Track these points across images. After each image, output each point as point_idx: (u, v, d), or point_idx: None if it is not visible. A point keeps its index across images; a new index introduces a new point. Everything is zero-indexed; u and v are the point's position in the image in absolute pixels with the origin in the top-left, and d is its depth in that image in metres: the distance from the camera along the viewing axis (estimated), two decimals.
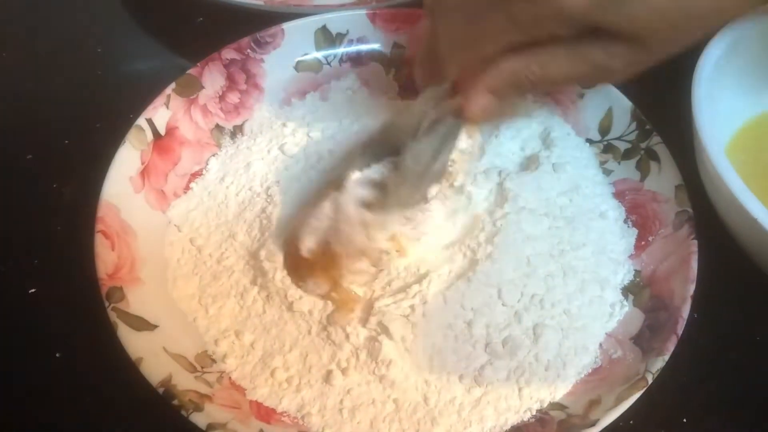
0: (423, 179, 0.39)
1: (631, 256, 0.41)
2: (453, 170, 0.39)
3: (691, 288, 0.37)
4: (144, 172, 0.43)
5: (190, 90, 0.46)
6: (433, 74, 0.40)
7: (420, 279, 0.38)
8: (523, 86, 0.37)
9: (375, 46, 0.50)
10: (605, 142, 0.45)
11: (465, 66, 0.38)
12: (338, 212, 0.38)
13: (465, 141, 0.39)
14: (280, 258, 0.39)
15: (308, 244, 0.38)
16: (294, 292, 0.38)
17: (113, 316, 0.36)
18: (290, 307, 0.38)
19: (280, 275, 0.38)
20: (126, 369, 0.34)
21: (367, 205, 0.38)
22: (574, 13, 0.33)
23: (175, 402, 0.33)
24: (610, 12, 0.33)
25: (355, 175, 0.39)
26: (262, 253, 0.39)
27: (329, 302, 0.38)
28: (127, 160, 0.42)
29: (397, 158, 0.40)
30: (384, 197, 0.38)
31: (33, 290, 0.42)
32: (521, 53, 0.36)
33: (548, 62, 0.36)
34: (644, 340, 0.37)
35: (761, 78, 0.45)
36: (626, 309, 0.39)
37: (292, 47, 0.49)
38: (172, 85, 0.45)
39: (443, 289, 0.37)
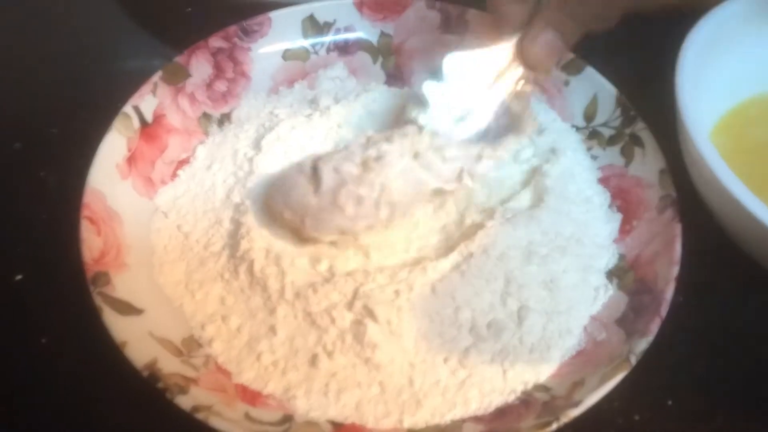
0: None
1: (615, 241, 0.41)
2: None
3: (675, 270, 0.37)
4: (131, 160, 0.43)
5: (177, 78, 0.46)
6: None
7: (412, 266, 0.38)
8: (584, 14, 0.32)
9: (362, 34, 0.50)
10: (590, 129, 0.45)
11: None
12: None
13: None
14: (258, 243, 0.39)
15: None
16: (273, 281, 0.38)
17: (98, 300, 0.35)
18: (269, 299, 0.37)
19: (259, 265, 0.38)
20: (113, 354, 0.34)
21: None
22: None
23: (160, 385, 0.33)
24: None
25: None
26: (242, 242, 0.39)
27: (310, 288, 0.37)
28: (113, 148, 0.42)
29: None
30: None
31: (19, 277, 0.42)
32: None
33: None
34: (628, 322, 0.37)
35: (746, 63, 0.45)
36: (610, 292, 0.39)
37: (280, 36, 0.49)
38: (159, 73, 0.45)
39: (433, 280, 0.37)
